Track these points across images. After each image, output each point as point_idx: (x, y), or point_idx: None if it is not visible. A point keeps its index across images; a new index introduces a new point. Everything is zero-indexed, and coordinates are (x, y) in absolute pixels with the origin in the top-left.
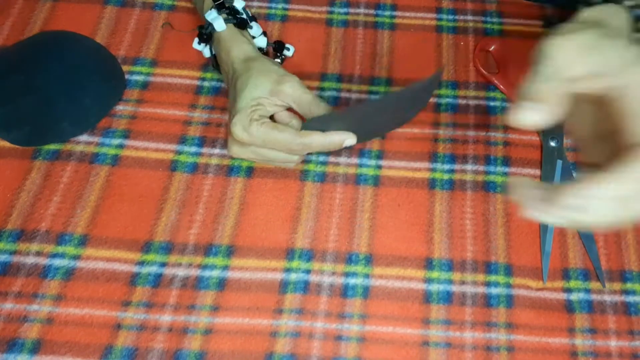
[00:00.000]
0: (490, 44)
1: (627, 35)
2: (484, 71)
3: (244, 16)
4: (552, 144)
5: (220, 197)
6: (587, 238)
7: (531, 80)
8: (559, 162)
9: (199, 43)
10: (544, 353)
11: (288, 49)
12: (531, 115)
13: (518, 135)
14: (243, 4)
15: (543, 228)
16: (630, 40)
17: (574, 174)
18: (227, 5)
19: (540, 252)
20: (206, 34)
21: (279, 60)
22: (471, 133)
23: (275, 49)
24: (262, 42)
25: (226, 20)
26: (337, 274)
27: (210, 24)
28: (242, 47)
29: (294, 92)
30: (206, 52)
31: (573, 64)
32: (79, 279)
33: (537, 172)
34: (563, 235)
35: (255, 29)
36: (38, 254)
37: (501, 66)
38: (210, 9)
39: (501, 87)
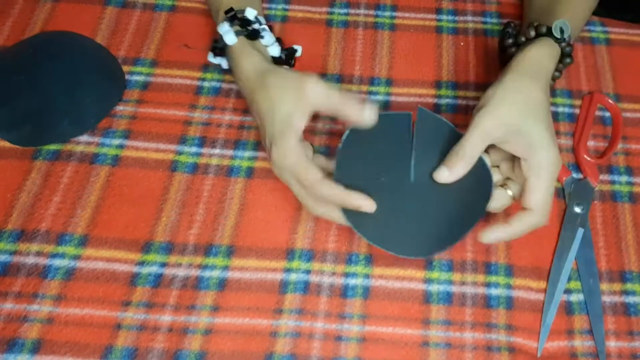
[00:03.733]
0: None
1: (547, 83)
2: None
3: (257, 26)
4: (577, 209)
5: (220, 197)
6: (595, 316)
7: (459, 147)
8: (580, 231)
9: (214, 57)
10: (544, 354)
11: (296, 50)
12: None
13: None
14: (255, 12)
15: (548, 298)
16: (548, 86)
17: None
18: (239, 17)
19: (540, 252)
20: (219, 48)
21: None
22: None
23: (287, 56)
24: (275, 51)
25: (238, 33)
26: (337, 274)
27: (222, 37)
28: (252, 60)
29: (318, 94)
30: (224, 64)
31: (493, 135)
32: (79, 279)
33: None
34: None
35: (267, 38)
36: (38, 254)
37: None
38: (222, 22)
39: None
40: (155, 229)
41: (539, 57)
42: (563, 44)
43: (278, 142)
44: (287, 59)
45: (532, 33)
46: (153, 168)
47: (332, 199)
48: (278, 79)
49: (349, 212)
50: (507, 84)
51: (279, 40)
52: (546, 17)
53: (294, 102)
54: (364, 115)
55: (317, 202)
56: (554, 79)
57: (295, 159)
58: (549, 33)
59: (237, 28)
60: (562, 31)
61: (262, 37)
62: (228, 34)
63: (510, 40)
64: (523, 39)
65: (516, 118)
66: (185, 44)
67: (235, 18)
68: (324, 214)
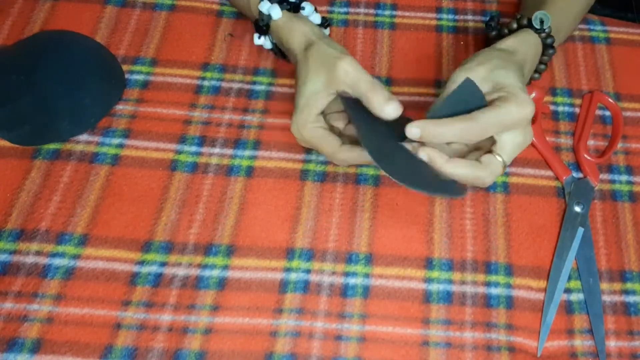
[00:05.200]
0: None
1: (523, 63)
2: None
3: None
4: (577, 209)
5: (220, 196)
6: (595, 316)
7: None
8: (580, 230)
9: (259, 37)
10: (544, 354)
11: (304, 8)
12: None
13: None
14: None
15: (548, 298)
16: (529, 67)
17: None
18: None
19: (540, 251)
20: (264, 26)
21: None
22: None
23: (324, 23)
24: (316, 19)
25: (280, 7)
26: (337, 274)
27: (267, 15)
28: (298, 34)
29: (347, 77)
30: (267, 44)
31: None
32: (79, 278)
33: (537, 172)
34: (569, 309)
35: (308, 8)
36: (38, 253)
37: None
38: (262, 0)
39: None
40: (155, 229)
41: (515, 43)
42: (543, 35)
43: (298, 115)
44: (325, 25)
45: (515, 25)
46: (153, 167)
47: (352, 162)
48: (318, 54)
49: (374, 154)
50: (482, 52)
51: (315, 9)
52: (535, 11)
53: (324, 81)
54: (386, 109)
55: (343, 161)
56: (538, 71)
57: (311, 133)
58: (530, 24)
59: (278, 3)
60: (542, 22)
61: (303, 8)
62: (273, 9)
63: (494, 33)
64: (506, 30)
65: (489, 73)
66: (230, 32)
67: None
68: (354, 161)
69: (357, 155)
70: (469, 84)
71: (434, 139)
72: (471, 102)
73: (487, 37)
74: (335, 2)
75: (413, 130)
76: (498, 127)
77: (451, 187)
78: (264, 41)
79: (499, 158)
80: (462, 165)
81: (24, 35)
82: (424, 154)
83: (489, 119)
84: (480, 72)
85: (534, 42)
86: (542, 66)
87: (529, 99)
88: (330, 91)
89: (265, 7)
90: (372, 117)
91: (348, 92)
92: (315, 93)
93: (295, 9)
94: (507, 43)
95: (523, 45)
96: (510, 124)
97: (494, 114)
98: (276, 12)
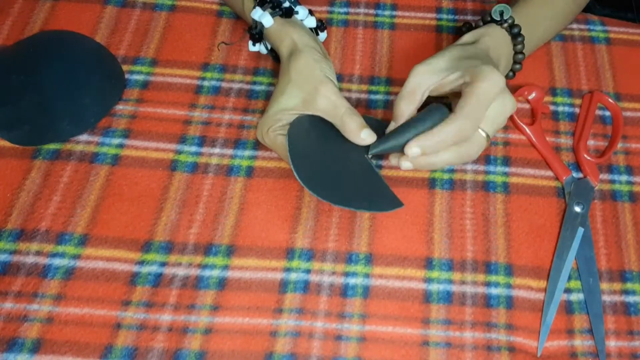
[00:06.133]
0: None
1: (489, 50)
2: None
3: (287, 4)
4: (577, 209)
5: (220, 196)
6: (595, 316)
7: (399, 94)
8: (580, 230)
9: (254, 44)
10: (544, 354)
11: (297, 12)
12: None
13: (518, 135)
14: None
15: (548, 298)
16: (497, 54)
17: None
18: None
19: (540, 251)
20: (257, 33)
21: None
22: None
23: (319, 27)
24: (311, 22)
25: (272, 14)
26: (337, 274)
27: (259, 22)
28: (287, 41)
29: (327, 106)
30: (262, 50)
31: (425, 80)
32: (79, 278)
33: (537, 172)
34: (569, 309)
35: (301, 12)
36: (38, 253)
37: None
38: (254, 8)
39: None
40: (155, 229)
41: (475, 35)
42: (505, 25)
43: (265, 120)
44: (321, 28)
45: (481, 23)
46: (153, 167)
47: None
48: (301, 67)
49: (299, 167)
50: (446, 49)
51: (310, 12)
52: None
53: (301, 101)
54: (361, 135)
55: None
56: (517, 61)
57: (272, 140)
58: (492, 20)
59: (270, 10)
60: (502, 14)
61: (296, 12)
62: (264, 17)
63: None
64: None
65: (448, 62)
66: (223, 41)
67: (266, 2)
68: None
69: None
70: (437, 107)
71: (434, 150)
72: (437, 117)
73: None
74: (335, 2)
75: (413, 149)
76: (483, 109)
77: (385, 202)
78: (259, 47)
79: (482, 133)
80: (447, 152)
81: (24, 35)
82: (407, 164)
83: (471, 107)
84: (436, 62)
85: (499, 34)
86: (520, 56)
87: (492, 68)
88: (305, 112)
89: (257, 15)
90: (317, 139)
91: (321, 116)
92: (289, 109)
93: (288, 14)
94: (465, 37)
95: (484, 37)
96: (490, 100)
97: (473, 101)
98: (267, 20)
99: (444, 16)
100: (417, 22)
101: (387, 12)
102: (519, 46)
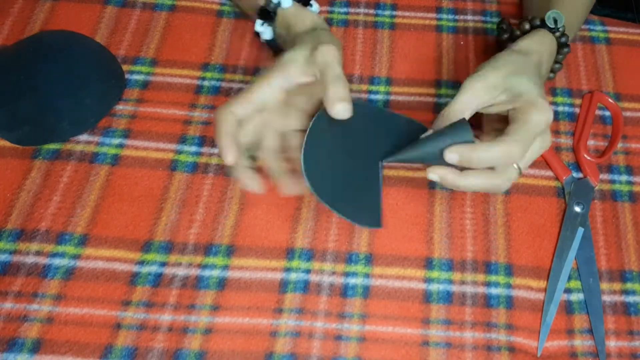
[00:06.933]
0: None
1: (540, 64)
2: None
3: None
4: (577, 209)
5: (220, 196)
6: (595, 316)
7: (447, 108)
8: (580, 230)
9: (262, 24)
10: (544, 354)
11: (311, 5)
12: None
13: None
14: None
15: (548, 298)
16: (545, 67)
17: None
18: None
19: (540, 251)
20: (272, 11)
21: None
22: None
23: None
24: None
25: None
26: (337, 274)
27: (275, 3)
28: (308, 20)
29: (322, 59)
30: (267, 33)
31: (477, 98)
32: (79, 278)
33: (537, 172)
34: (569, 309)
35: (315, 6)
36: (38, 253)
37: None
38: None
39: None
40: (155, 229)
41: (531, 43)
42: (557, 34)
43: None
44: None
45: (527, 26)
46: (153, 167)
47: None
48: (318, 35)
49: (310, 173)
50: (498, 56)
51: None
52: (544, 11)
53: (307, 53)
54: (336, 107)
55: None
56: (554, 71)
57: (223, 116)
58: (543, 24)
59: None
60: (555, 21)
61: (311, 5)
62: None
63: (506, 36)
64: (518, 32)
65: (503, 80)
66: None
67: None
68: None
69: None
70: (461, 124)
71: (470, 164)
72: (459, 136)
73: (498, 40)
74: (335, 2)
75: (452, 155)
76: (532, 139)
77: (367, 217)
78: (265, 28)
79: (515, 165)
80: (476, 175)
81: (24, 35)
82: (434, 175)
83: (523, 134)
84: (492, 78)
85: (549, 42)
86: (557, 65)
87: (547, 104)
88: (305, 68)
89: None
90: (337, 135)
91: (316, 75)
92: (293, 61)
93: (305, 2)
94: (523, 44)
95: (539, 45)
96: (538, 133)
97: (526, 128)
98: (287, 1)
99: (444, 16)
100: (417, 22)
101: (387, 12)
102: (561, 56)
